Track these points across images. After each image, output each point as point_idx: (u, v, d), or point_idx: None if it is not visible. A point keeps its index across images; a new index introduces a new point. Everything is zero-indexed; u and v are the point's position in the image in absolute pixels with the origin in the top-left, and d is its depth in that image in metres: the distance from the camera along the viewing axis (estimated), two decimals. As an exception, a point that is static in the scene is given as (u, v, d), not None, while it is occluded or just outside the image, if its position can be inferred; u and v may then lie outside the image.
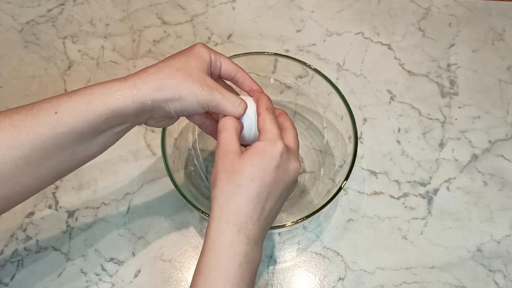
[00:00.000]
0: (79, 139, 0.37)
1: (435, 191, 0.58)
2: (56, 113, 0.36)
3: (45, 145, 0.36)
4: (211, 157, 0.59)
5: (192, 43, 0.67)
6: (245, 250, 0.36)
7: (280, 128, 0.41)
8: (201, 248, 0.38)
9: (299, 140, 0.43)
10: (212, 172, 0.39)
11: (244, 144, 0.44)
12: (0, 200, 0.36)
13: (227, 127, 0.41)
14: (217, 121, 0.47)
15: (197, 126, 0.57)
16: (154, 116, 0.41)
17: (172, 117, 0.42)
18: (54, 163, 0.38)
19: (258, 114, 0.42)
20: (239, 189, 0.37)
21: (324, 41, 0.69)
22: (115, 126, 0.39)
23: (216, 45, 0.68)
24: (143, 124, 0.42)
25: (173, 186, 0.48)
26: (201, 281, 0.36)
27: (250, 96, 0.45)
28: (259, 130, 0.41)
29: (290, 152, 0.40)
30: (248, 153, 0.38)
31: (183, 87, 0.39)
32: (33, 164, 0.36)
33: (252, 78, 0.46)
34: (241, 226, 0.37)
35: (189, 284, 0.52)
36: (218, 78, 0.45)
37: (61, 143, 0.37)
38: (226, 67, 0.44)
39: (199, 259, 0.37)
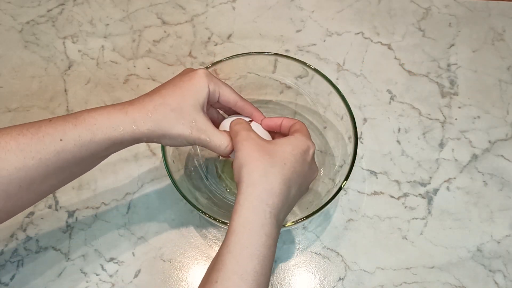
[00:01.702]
0: (79, 163, 0.40)
1: (435, 191, 0.58)
2: (61, 140, 0.38)
3: (49, 168, 0.38)
4: (211, 157, 0.59)
5: (192, 44, 0.68)
6: (275, 233, 0.37)
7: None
8: (230, 223, 0.38)
9: None
10: (237, 155, 0.40)
11: None
12: (1, 213, 0.39)
13: (244, 127, 0.43)
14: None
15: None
16: (149, 142, 0.44)
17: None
18: (55, 182, 0.41)
19: (292, 123, 0.46)
20: (274, 169, 0.38)
21: (324, 41, 0.69)
22: (112, 151, 0.42)
23: (216, 45, 0.68)
24: None
25: (173, 186, 0.48)
26: (231, 259, 0.36)
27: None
28: (293, 131, 0.44)
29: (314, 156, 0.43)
30: (282, 141, 0.41)
31: (174, 129, 0.41)
32: (36, 183, 0.38)
33: (252, 105, 0.47)
34: (273, 207, 0.37)
35: (189, 284, 0.52)
36: (217, 102, 0.46)
37: (63, 166, 0.39)
38: (224, 98, 0.45)
39: (228, 236, 0.37)
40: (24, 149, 0.37)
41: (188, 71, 0.45)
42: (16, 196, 0.38)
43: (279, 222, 0.39)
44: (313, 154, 0.42)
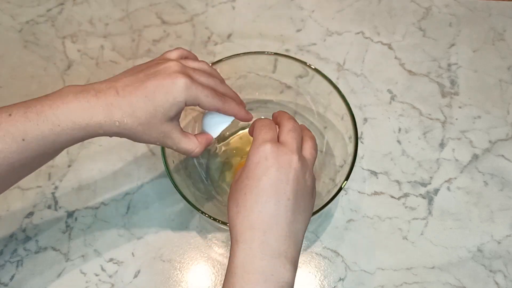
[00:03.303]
0: (42, 158, 0.40)
1: (436, 191, 0.58)
2: (23, 140, 0.37)
3: (13, 165, 0.38)
4: (211, 157, 0.58)
5: (192, 43, 0.68)
6: (258, 267, 0.36)
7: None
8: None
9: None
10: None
11: None
12: None
13: None
14: None
15: (196, 127, 0.57)
16: None
17: None
18: (18, 176, 0.41)
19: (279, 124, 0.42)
20: (238, 208, 0.38)
21: (324, 40, 0.69)
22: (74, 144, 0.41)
23: (216, 44, 0.68)
24: None
25: (173, 186, 0.48)
26: None
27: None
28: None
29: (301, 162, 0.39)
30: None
31: (140, 139, 0.41)
32: (0, 179, 0.38)
33: (235, 105, 0.45)
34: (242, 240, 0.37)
35: (189, 285, 0.52)
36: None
37: (27, 163, 0.38)
38: (204, 108, 0.43)
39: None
40: None
41: (164, 74, 0.40)
42: None
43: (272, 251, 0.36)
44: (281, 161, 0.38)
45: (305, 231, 0.39)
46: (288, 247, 0.37)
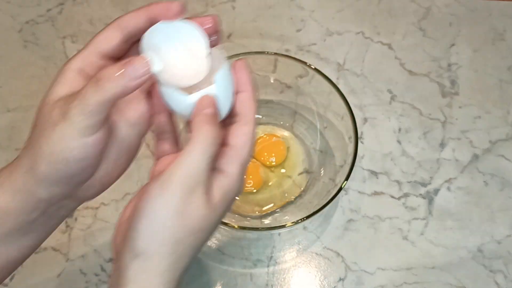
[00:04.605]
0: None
1: (436, 191, 0.58)
2: None
3: None
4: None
5: (192, 43, 0.68)
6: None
7: None
8: None
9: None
10: None
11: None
12: None
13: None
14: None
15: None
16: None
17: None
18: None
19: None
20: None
21: (325, 40, 0.69)
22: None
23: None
24: None
25: (172, 186, 0.48)
26: None
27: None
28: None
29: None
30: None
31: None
32: None
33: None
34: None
35: (188, 284, 0.52)
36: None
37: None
38: (119, 94, 0.28)
39: None
40: None
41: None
42: None
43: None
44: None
45: None
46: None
